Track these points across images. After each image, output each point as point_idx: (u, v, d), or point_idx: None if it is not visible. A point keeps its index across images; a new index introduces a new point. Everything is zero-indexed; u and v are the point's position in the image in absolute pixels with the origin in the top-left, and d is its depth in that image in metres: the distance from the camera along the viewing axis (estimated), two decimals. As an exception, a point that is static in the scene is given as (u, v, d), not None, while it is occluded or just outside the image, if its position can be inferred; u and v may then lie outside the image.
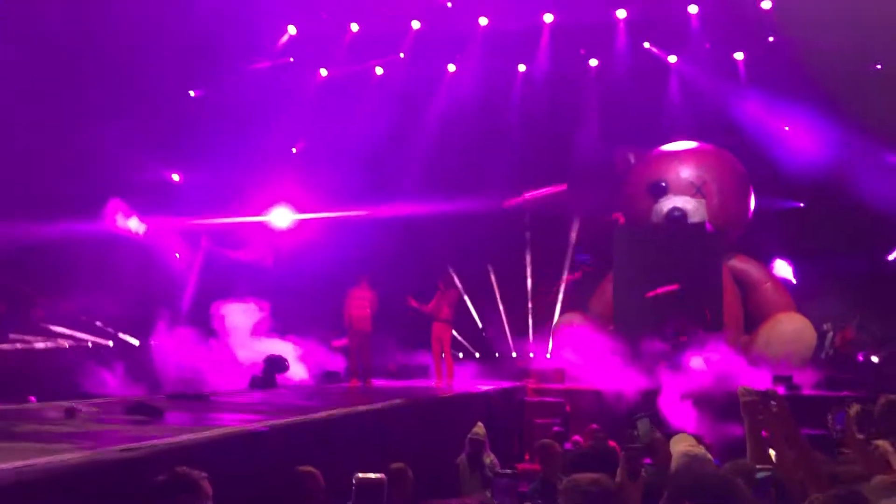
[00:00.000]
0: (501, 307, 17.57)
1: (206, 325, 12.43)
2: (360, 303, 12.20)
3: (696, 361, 11.79)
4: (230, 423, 5.66)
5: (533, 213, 17.49)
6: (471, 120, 16.89)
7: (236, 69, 15.86)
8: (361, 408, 7.43)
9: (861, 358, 12.84)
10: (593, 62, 17.06)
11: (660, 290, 13.33)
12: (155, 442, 4.51)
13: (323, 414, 6.44)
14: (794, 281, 15.85)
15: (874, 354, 12.74)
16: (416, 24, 16.41)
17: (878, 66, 15.18)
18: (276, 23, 16.26)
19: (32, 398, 8.94)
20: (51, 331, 12.67)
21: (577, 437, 9.64)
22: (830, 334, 13.66)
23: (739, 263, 15.40)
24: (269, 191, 16.45)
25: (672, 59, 16.62)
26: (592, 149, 16.85)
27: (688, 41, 15.82)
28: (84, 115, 12.92)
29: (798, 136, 15.48)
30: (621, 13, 15.64)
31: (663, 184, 15.16)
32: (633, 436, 3.72)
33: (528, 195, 16.71)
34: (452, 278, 12.80)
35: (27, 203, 11.82)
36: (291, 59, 16.92)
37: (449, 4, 15.65)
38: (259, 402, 8.47)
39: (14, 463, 3.60)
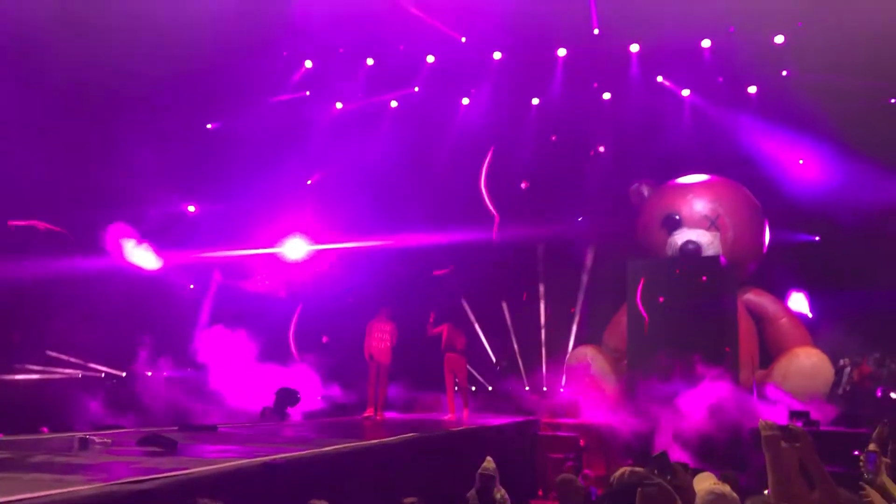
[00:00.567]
0: (514, 340, 17.51)
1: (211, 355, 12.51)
2: (381, 335, 12.19)
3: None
4: (243, 455, 5.64)
5: (546, 245, 17.49)
6: (484, 153, 17.00)
7: (254, 102, 16.07)
8: (373, 442, 7.39)
9: (879, 393, 12.65)
10: (607, 95, 17.16)
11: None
12: (169, 474, 4.50)
13: (336, 447, 6.41)
14: (811, 315, 15.71)
15: (893, 390, 12.56)
16: (430, 59, 16.60)
17: (893, 101, 15.19)
18: (294, 57, 16.50)
19: (45, 429, 8.96)
20: (63, 361, 12.73)
21: (587, 471, 9.54)
22: (848, 369, 13.49)
23: (755, 297, 15.29)
24: (284, 222, 16.57)
25: (685, 92, 16.69)
26: (606, 182, 16.92)
27: (701, 75, 15.91)
28: (101, 147, 13.10)
29: (813, 170, 15.47)
30: (634, 47, 15.76)
31: (677, 217, 15.13)
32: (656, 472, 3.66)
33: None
34: (465, 312, 12.85)
35: (40, 235, 11.96)
36: (308, 93, 17.13)
37: (463, 40, 15.83)
38: (271, 434, 8.45)
39: (28, 494, 3.60)
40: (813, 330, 15.03)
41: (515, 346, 17.52)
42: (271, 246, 16.48)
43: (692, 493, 3.76)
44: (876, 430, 4.93)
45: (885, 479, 3.84)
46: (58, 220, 12.36)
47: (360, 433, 8.87)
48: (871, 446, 4.81)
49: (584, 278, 17.39)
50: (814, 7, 13.64)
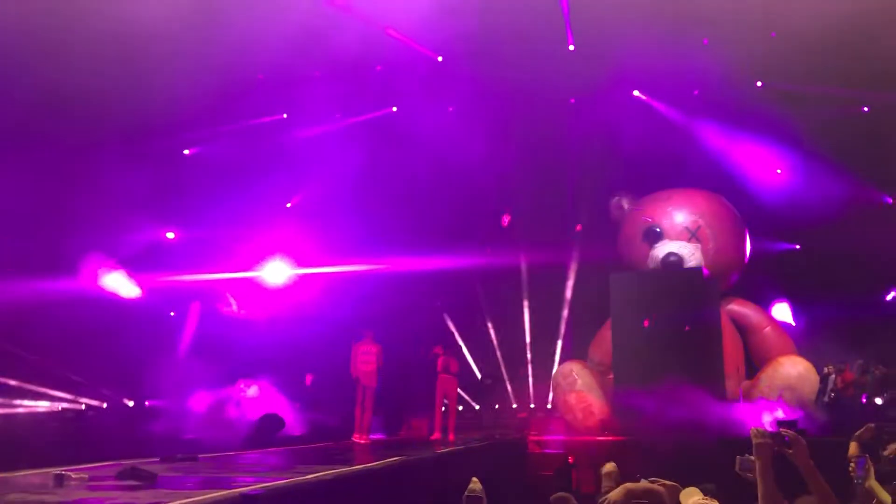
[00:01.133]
0: (500, 358, 17.45)
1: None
2: (367, 357, 12.10)
3: None
4: (224, 486, 5.52)
5: (529, 265, 17.48)
6: (466, 171, 16.99)
7: (231, 125, 16.01)
8: (357, 467, 7.28)
9: (864, 400, 12.68)
10: (585, 110, 17.20)
11: None
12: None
13: (317, 475, 6.30)
14: (794, 324, 15.76)
15: (877, 396, 12.59)
16: (407, 78, 16.60)
17: (866, 109, 15.38)
18: (273, 78, 16.46)
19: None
20: (42, 393, 12.52)
21: (575, 488, 9.45)
22: (832, 377, 13.52)
23: (738, 307, 15.33)
24: (265, 246, 16.46)
25: (661, 105, 16.78)
26: (586, 197, 16.97)
27: (676, 88, 16.00)
28: (79, 175, 12.96)
29: (790, 179, 15.60)
30: (611, 63, 15.81)
31: (658, 229, 15.17)
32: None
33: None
34: (457, 344, 12.82)
35: (19, 263, 11.78)
36: (285, 115, 17.07)
37: (440, 59, 15.84)
38: (252, 463, 8.32)
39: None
40: (797, 338, 15.06)
41: (501, 363, 17.45)
42: (252, 270, 16.36)
43: None
44: (859, 431, 4.91)
45: (873, 482, 3.81)
46: (35, 245, 12.16)
47: (344, 459, 8.74)
48: (853, 448, 4.79)
49: (568, 294, 17.37)
50: (786, 17, 13.79)
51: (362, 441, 11.83)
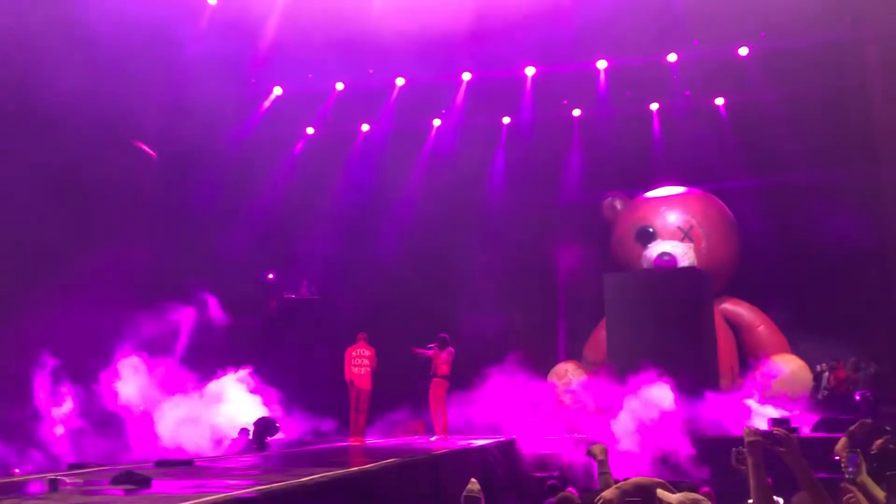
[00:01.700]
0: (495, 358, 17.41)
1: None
2: (360, 361, 12.12)
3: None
4: (219, 490, 5.53)
5: (522, 266, 17.46)
6: (457, 173, 17.04)
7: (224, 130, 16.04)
8: (353, 469, 7.29)
9: (858, 397, 12.73)
10: (577, 112, 17.29)
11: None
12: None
13: (313, 477, 6.31)
14: None
15: (869, 393, 12.65)
16: (400, 81, 16.64)
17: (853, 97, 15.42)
18: (262, 84, 16.49)
19: (16, 470, 8.73)
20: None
21: (571, 489, 9.45)
22: (825, 374, 13.58)
23: (731, 306, 15.40)
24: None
25: (654, 106, 16.85)
26: (579, 198, 17.02)
27: (668, 88, 16.07)
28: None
29: (781, 176, 15.68)
30: (602, 64, 15.90)
31: (651, 229, 15.23)
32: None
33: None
34: (446, 338, 12.76)
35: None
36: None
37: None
38: (248, 466, 8.32)
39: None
40: (790, 336, 15.12)
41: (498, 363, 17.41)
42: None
43: None
44: (854, 425, 4.92)
45: (865, 478, 3.83)
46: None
47: (340, 461, 8.75)
48: (841, 443, 4.82)
49: (562, 295, 17.39)
50: (775, 18, 13.87)
51: (360, 444, 11.84)
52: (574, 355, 16.25)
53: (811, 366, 14.01)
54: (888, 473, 3.87)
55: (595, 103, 16.49)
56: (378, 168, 17.41)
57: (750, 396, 13.41)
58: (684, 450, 10.56)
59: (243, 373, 12.44)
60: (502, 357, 16.81)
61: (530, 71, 16.29)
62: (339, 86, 16.72)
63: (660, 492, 3.43)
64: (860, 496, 3.55)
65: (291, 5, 14.02)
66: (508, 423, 13.59)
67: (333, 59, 15.33)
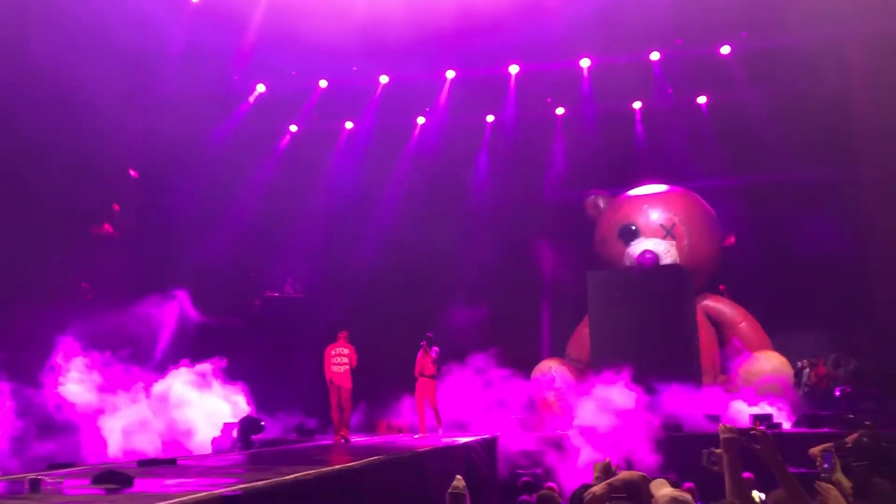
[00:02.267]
0: (479, 355, 17.41)
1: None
2: (339, 359, 12.11)
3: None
4: (202, 489, 5.50)
5: (506, 264, 17.48)
6: (441, 172, 17.05)
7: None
8: (337, 467, 7.27)
9: (838, 393, 12.87)
10: (560, 110, 17.34)
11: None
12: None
13: (297, 475, 6.29)
14: None
15: (850, 390, 12.78)
16: (384, 79, 16.62)
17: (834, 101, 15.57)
18: (246, 81, 16.41)
19: None
20: None
21: (551, 485, 9.49)
22: (806, 371, 13.70)
23: (713, 303, 15.49)
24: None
25: (637, 104, 16.93)
26: (562, 196, 17.06)
27: (651, 87, 16.15)
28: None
29: (762, 174, 15.82)
30: (585, 62, 15.95)
31: (634, 227, 15.29)
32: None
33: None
34: (432, 338, 12.80)
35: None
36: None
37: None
38: (232, 465, 8.28)
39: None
40: (771, 333, 15.23)
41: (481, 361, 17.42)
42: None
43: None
44: (854, 437, 4.91)
45: (840, 476, 3.87)
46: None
47: (324, 459, 8.73)
48: (818, 448, 4.85)
49: (546, 292, 17.43)
50: (756, 17, 13.97)
51: (343, 442, 11.82)
52: (558, 353, 16.30)
53: (792, 362, 14.12)
54: (854, 464, 3.90)
55: (578, 102, 16.55)
56: (362, 166, 17.38)
57: (733, 393, 13.52)
58: (644, 453, 10.56)
59: (206, 367, 12.34)
60: (487, 354, 16.90)
61: (514, 69, 16.31)
62: (323, 83, 16.66)
63: (652, 485, 3.46)
64: (832, 493, 3.58)
65: (275, 2, 13.96)
66: (492, 420, 13.62)
67: (317, 57, 15.27)
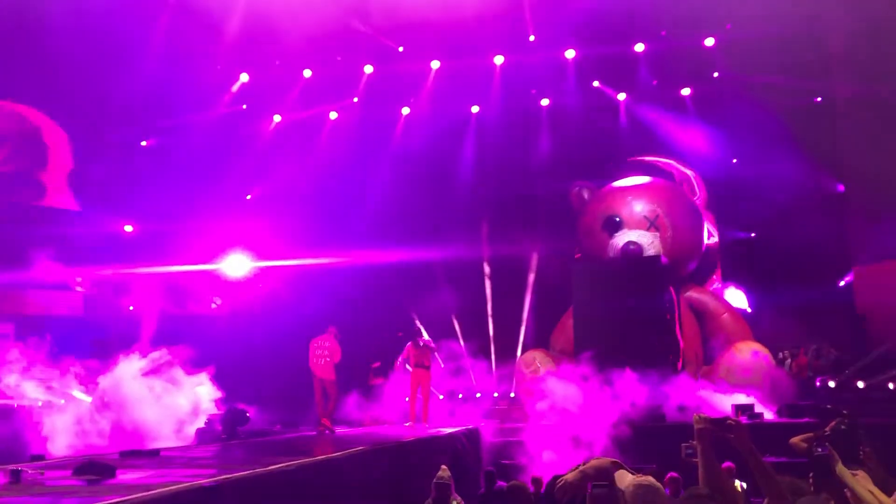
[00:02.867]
0: (464, 346, 17.47)
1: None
2: (321, 352, 12.16)
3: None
4: (184, 479, 5.49)
5: (491, 254, 17.53)
6: (426, 163, 17.03)
7: (190, 118, 15.82)
8: (320, 458, 7.28)
9: (818, 383, 13.01)
10: (545, 101, 17.35)
11: None
12: (105, 501, 4.34)
13: (280, 465, 6.29)
14: (749, 310, 16.06)
15: (831, 380, 12.93)
16: (368, 69, 16.56)
17: (818, 100, 15.71)
18: (230, 70, 16.30)
19: None
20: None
21: (538, 475, 9.56)
22: (787, 361, 13.84)
23: (696, 294, 15.57)
24: (225, 239, 16.30)
25: (621, 96, 16.98)
26: (547, 188, 17.09)
27: (636, 78, 16.20)
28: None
29: (746, 168, 15.91)
30: (570, 53, 15.98)
31: (617, 219, 15.34)
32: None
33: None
34: (420, 332, 12.89)
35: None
36: (244, 107, 16.92)
37: (400, 49, 15.84)
38: (215, 456, 8.27)
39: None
40: (752, 324, 15.36)
41: (465, 352, 17.49)
42: (213, 263, 16.20)
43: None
44: (831, 425, 4.95)
45: (841, 469, 3.87)
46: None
47: (307, 450, 8.73)
48: (798, 438, 4.89)
49: (530, 283, 17.47)
50: (740, 8, 14.04)
51: (327, 433, 11.82)
52: (541, 343, 16.35)
53: (774, 353, 14.24)
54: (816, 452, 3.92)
55: (563, 93, 16.57)
56: (345, 156, 17.31)
57: (713, 383, 13.62)
58: (601, 447, 10.61)
59: (157, 355, 12.23)
60: (470, 345, 16.95)
61: (499, 60, 16.30)
62: (307, 73, 16.59)
63: (618, 474, 3.48)
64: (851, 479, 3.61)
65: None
66: (475, 410, 13.69)
67: (301, 47, 15.21)
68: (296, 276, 17.24)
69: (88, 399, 11.48)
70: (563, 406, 11.97)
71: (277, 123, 17.57)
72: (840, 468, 3.87)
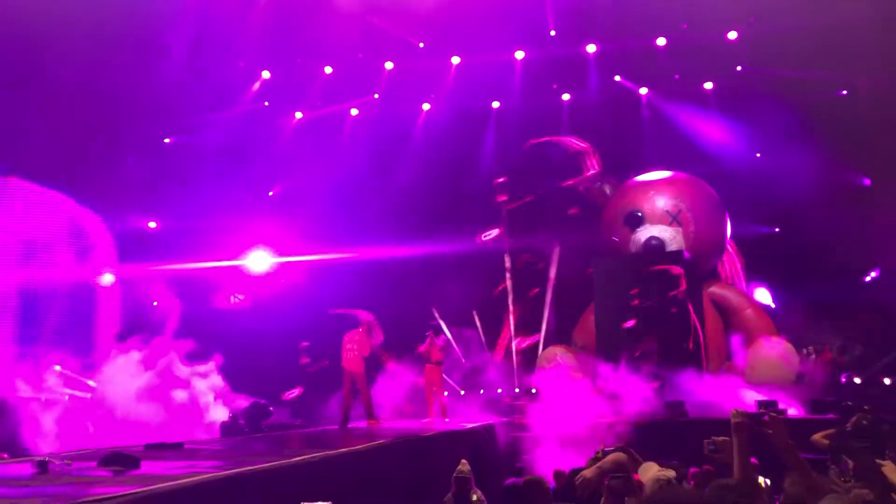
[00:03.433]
0: (485, 343, 17.47)
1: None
2: (350, 345, 12.09)
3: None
4: (207, 471, 5.55)
5: (512, 250, 17.49)
6: (447, 158, 17.03)
7: (212, 115, 15.94)
8: (342, 451, 7.32)
9: (843, 380, 12.85)
10: (566, 96, 17.28)
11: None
12: (130, 491, 4.40)
13: (303, 458, 6.34)
14: (774, 306, 15.91)
15: (856, 376, 12.77)
16: (389, 65, 16.59)
17: (844, 92, 15.50)
18: (251, 68, 16.40)
19: (4, 454, 8.70)
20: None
21: (561, 469, 9.53)
22: (812, 357, 13.69)
23: (719, 290, 15.46)
24: (248, 235, 16.42)
25: (643, 90, 16.87)
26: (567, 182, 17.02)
27: (657, 73, 16.09)
28: (63, 166, 12.91)
29: (770, 162, 15.75)
30: (591, 48, 15.90)
31: (639, 214, 15.25)
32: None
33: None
34: (440, 325, 12.83)
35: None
36: (266, 104, 17.02)
37: (421, 45, 15.85)
38: (238, 448, 8.34)
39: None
40: (777, 320, 15.22)
41: (486, 349, 17.48)
42: (236, 259, 16.34)
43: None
44: (852, 420, 4.91)
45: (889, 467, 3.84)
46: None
47: (330, 443, 8.78)
48: (820, 434, 4.83)
49: (551, 278, 17.42)
50: (764, 2, 13.88)
51: (367, 425, 11.72)
52: (563, 339, 16.31)
53: (798, 349, 14.10)
54: (855, 446, 3.90)
55: (584, 88, 16.49)
56: (367, 151, 17.36)
57: (736, 379, 13.52)
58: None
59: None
60: (492, 341, 16.94)
61: (520, 55, 16.26)
62: (328, 70, 16.65)
63: (643, 466, 3.48)
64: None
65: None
66: (497, 406, 13.69)
67: (322, 44, 15.28)
68: (317, 271, 17.32)
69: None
70: (582, 401, 11.96)
71: (299, 120, 17.66)
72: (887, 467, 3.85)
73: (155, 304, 15.29)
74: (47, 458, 6.08)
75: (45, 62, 12.18)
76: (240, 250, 16.30)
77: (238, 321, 15.98)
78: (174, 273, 15.26)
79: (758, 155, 16.30)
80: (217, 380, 12.75)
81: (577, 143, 16.38)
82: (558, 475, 9.12)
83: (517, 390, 16.25)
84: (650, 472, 3.59)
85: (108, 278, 13.93)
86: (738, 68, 15.86)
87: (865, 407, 5.39)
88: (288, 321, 16.22)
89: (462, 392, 16.47)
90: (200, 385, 12.49)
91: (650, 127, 16.72)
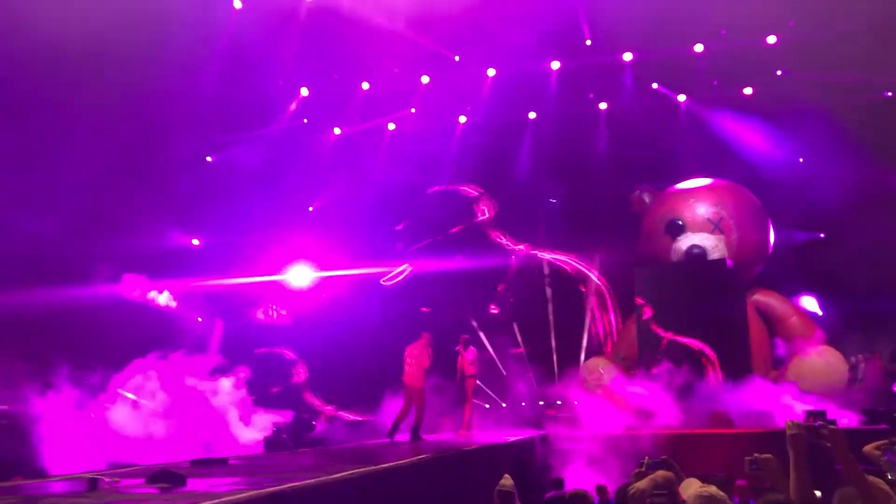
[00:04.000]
0: (526, 356, 17.41)
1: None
2: (410, 360, 12.08)
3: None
4: (252, 487, 5.60)
5: (552, 260, 17.43)
6: (484, 170, 17.06)
7: (253, 132, 16.20)
8: (384, 466, 7.33)
9: (895, 389, 12.52)
10: (603, 106, 17.20)
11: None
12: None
13: (345, 474, 6.37)
14: (822, 314, 15.59)
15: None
16: (425, 79, 16.69)
17: (889, 94, 15.18)
18: (290, 86, 16.64)
19: (19, 477, 8.56)
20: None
21: (603, 482, 9.45)
22: (861, 366, 13.36)
23: (763, 298, 15.19)
24: (289, 250, 16.62)
25: (681, 97, 16.71)
26: (607, 192, 16.91)
27: (695, 79, 15.92)
28: (104, 185, 13.17)
29: (813, 168, 15.46)
30: (627, 56, 15.81)
31: (680, 222, 15.09)
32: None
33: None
34: (469, 339, 12.77)
35: (52, 270, 11.98)
36: (305, 121, 17.24)
37: (456, 58, 15.91)
38: (282, 464, 8.40)
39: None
40: (824, 328, 14.89)
41: (527, 361, 17.42)
42: (277, 274, 16.53)
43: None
44: None
45: None
46: (61, 250, 12.27)
47: (372, 458, 8.80)
48: (872, 445, 4.72)
49: (592, 289, 17.30)
50: (804, 5, 13.66)
51: (412, 441, 11.65)
52: (604, 350, 16.18)
53: (845, 357, 13.78)
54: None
55: (621, 96, 16.39)
56: (405, 165, 17.45)
57: (784, 388, 13.25)
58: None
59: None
60: (534, 351, 16.86)
61: (555, 65, 16.23)
62: (365, 85, 16.81)
63: (685, 482, 3.45)
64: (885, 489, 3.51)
65: (314, 8, 14.14)
66: (538, 419, 13.60)
67: (359, 60, 15.44)
68: (357, 285, 17.45)
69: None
70: (625, 412, 11.85)
71: (337, 136, 17.85)
72: None
73: (199, 319, 15.54)
74: (96, 476, 6.20)
75: (87, 81, 12.44)
76: (281, 265, 16.50)
77: (280, 335, 16.17)
78: (216, 289, 15.49)
79: (801, 160, 16.00)
80: (241, 394, 12.88)
81: (469, 191, 16.95)
82: (601, 489, 9.05)
83: (541, 402, 16.17)
84: (691, 488, 3.56)
85: (164, 297, 14.21)
86: (779, 73, 15.62)
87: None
88: (330, 335, 16.37)
89: (504, 405, 16.44)
90: (224, 399, 12.63)
91: (689, 134, 16.53)
